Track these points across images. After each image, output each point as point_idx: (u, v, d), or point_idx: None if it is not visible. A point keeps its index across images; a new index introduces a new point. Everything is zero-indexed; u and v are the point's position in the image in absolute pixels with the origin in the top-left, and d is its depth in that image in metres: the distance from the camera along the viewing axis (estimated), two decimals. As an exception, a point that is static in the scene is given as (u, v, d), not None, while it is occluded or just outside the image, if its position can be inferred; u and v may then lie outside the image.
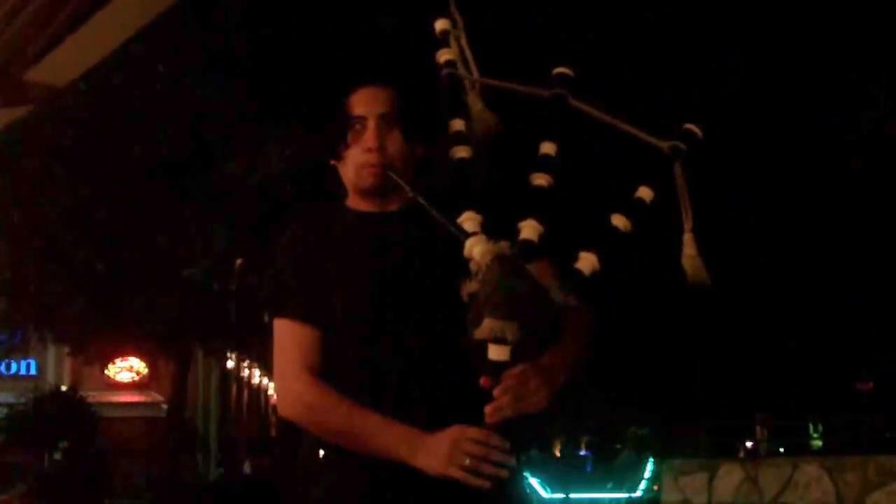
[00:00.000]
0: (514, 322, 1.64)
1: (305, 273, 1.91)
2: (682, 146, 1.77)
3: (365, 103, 1.90)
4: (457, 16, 1.90)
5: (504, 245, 1.70)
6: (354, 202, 1.97)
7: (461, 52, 1.89)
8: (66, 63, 3.33)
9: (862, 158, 11.02)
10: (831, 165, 11.25)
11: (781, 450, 15.59)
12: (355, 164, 1.90)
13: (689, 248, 1.78)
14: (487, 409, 1.68)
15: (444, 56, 1.87)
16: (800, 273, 14.99)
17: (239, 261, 12.27)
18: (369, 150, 1.88)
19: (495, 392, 1.68)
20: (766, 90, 9.62)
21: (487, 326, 1.65)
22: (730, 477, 6.22)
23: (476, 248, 1.70)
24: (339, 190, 1.99)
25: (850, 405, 17.46)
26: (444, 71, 1.86)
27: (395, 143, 1.89)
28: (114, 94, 9.83)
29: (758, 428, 15.03)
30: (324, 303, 1.87)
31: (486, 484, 1.67)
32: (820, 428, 17.40)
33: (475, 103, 1.85)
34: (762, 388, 17.37)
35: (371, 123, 1.89)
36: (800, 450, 15.47)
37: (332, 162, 1.95)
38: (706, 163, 1.86)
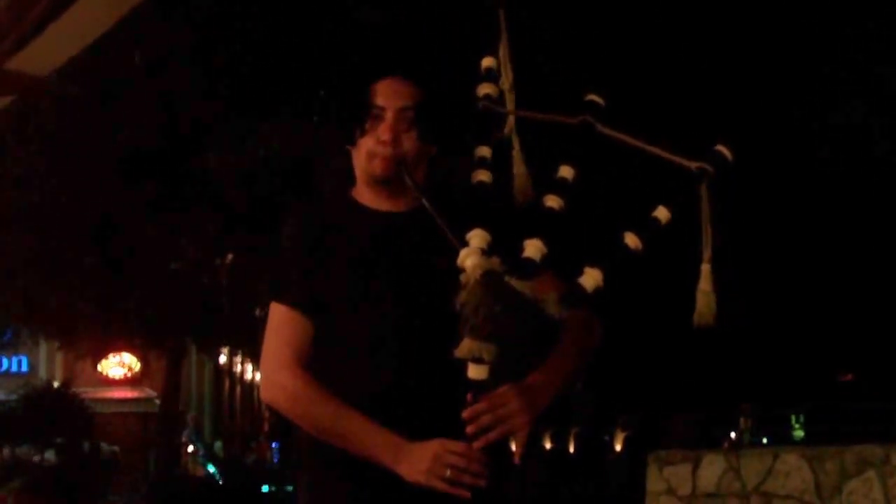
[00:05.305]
0: (491, 343, 1.67)
1: (308, 263, 1.91)
2: (710, 168, 1.73)
3: (387, 95, 1.91)
4: (504, 45, 1.89)
5: (496, 261, 1.71)
6: (363, 194, 1.98)
7: (505, 63, 1.87)
8: (47, 53, 3.30)
9: (830, 151, 11.20)
10: (804, 158, 11.42)
11: (764, 440, 15.89)
12: (367, 152, 1.92)
13: (704, 283, 1.70)
14: (468, 430, 1.73)
15: (483, 90, 1.89)
16: (782, 267, 15.19)
17: (230, 255, 12.32)
18: (383, 141, 1.89)
19: (465, 414, 1.73)
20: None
21: (466, 346, 1.68)
22: (713, 467, 6.36)
23: (468, 261, 1.72)
24: (349, 176, 2.01)
25: (831, 396, 17.75)
26: (482, 104, 1.88)
27: (409, 138, 1.90)
28: (94, 86, 9.82)
29: (741, 418, 15.31)
30: (322, 295, 1.89)
31: (466, 494, 1.72)
32: (802, 418, 17.70)
33: (518, 165, 1.87)
34: (745, 379, 17.62)
35: (389, 115, 1.90)
36: (782, 440, 15.77)
37: (347, 146, 1.97)
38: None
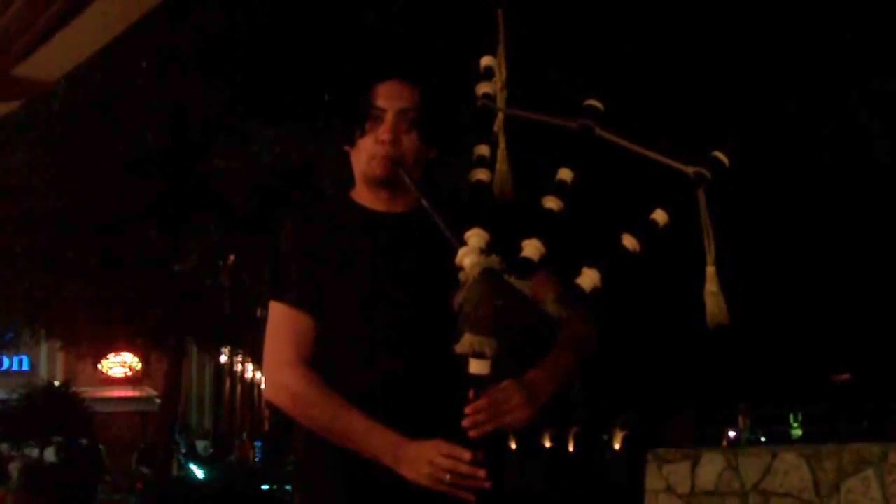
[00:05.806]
0: (492, 338, 1.66)
1: (307, 262, 1.91)
2: (707, 173, 1.74)
3: (388, 96, 1.91)
4: (501, 50, 1.91)
5: (495, 259, 1.70)
6: (362, 195, 1.97)
7: (503, 64, 1.89)
8: (55, 59, 3.28)
9: (827, 153, 11.23)
10: (802, 160, 11.45)
11: (762, 439, 15.98)
12: (366, 153, 1.92)
13: (711, 284, 1.70)
14: (464, 424, 1.72)
15: (482, 89, 1.90)
16: (780, 268, 15.23)
17: (231, 257, 12.34)
18: (383, 142, 1.89)
19: (467, 410, 1.72)
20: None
21: (467, 341, 1.67)
22: (712, 465, 6.39)
23: (467, 259, 1.71)
24: (348, 178, 2.00)
25: (828, 395, 17.81)
26: (480, 103, 1.89)
27: (409, 140, 1.90)
28: (98, 89, 9.84)
29: (740, 418, 15.40)
30: (322, 295, 1.89)
31: (470, 498, 1.72)
32: (800, 417, 17.77)
33: (501, 163, 1.89)
34: (744, 378, 17.67)
35: (389, 116, 1.90)
36: (780, 438, 15.83)
37: (346, 147, 1.96)
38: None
